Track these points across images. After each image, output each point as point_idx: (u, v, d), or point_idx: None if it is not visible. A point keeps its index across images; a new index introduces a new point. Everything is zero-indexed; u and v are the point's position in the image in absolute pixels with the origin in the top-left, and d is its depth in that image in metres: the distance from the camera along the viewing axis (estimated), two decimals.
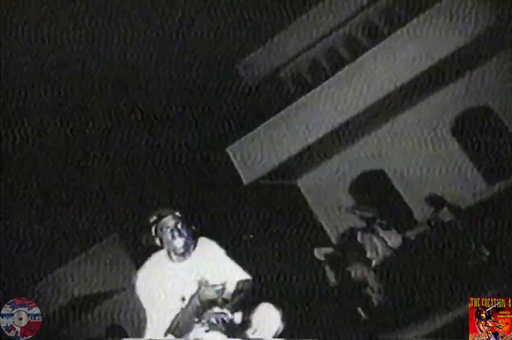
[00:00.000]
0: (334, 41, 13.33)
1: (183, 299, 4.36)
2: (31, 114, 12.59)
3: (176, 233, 4.40)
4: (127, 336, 12.44)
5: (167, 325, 4.31)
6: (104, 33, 11.89)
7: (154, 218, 4.47)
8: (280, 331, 4.34)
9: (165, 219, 4.45)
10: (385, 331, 7.19)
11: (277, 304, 4.41)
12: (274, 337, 4.32)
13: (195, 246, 4.50)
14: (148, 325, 4.37)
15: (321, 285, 9.29)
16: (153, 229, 4.46)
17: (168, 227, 4.42)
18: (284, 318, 4.36)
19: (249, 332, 4.34)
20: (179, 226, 4.43)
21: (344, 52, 13.27)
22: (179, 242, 4.42)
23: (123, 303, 13.37)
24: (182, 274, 4.43)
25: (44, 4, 11.59)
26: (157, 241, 4.48)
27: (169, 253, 4.46)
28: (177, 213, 4.50)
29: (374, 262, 9.34)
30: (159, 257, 4.51)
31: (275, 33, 13.28)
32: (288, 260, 10.62)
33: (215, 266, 4.51)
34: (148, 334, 4.37)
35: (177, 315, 4.31)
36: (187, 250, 4.45)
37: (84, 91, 12.56)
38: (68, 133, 12.77)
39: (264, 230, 12.55)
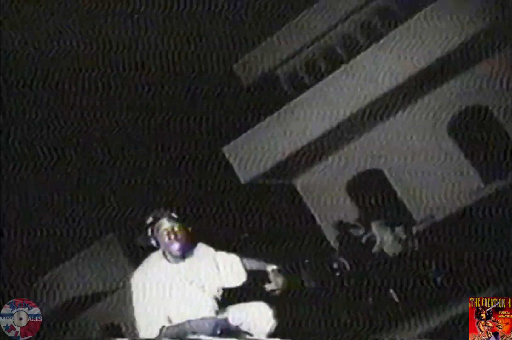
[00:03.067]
0: (330, 40, 13.32)
1: (169, 320, 4.29)
2: (32, 112, 12.58)
3: (172, 236, 4.37)
4: (123, 336, 12.41)
5: (154, 327, 4.27)
6: (104, 32, 11.89)
7: (150, 219, 4.43)
8: (272, 329, 4.31)
9: (161, 221, 4.40)
10: (384, 331, 7.19)
11: (270, 303, 4.39)
12: (268, 336, 4.30)
13: (191, 249, 4.45)
14: (137, 326, 4.34)
15: (317, 284, 9.27)
16: (149, 230, 4.42)
17: (165, 229, 4.39)
18: (277, 317, 4.34)
19: (242, 331, 4.32)
20: (175, 228, 4.39)
21: (340, 51, 13.27)
22: (174, 246, 4.36)
23: (120, 303, 13.34)
24: (177, 275, 4.39)
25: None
26: (153, 242, 4.44)
27: (164, 253, 4.43)
28: (174, 214, 4.46)
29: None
30: (156, 256, 4.47)
31: (272, 33, 13.26)
32: (284, 259, 10.60)
33: (211, 270, 4.47)
34: (142, 333, 4.34)
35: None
36: (183, 253, 4.41)
37: (83, 92, 12.55)
38: (67, 133, 12.76)
39: (260, 229, 12.56)
